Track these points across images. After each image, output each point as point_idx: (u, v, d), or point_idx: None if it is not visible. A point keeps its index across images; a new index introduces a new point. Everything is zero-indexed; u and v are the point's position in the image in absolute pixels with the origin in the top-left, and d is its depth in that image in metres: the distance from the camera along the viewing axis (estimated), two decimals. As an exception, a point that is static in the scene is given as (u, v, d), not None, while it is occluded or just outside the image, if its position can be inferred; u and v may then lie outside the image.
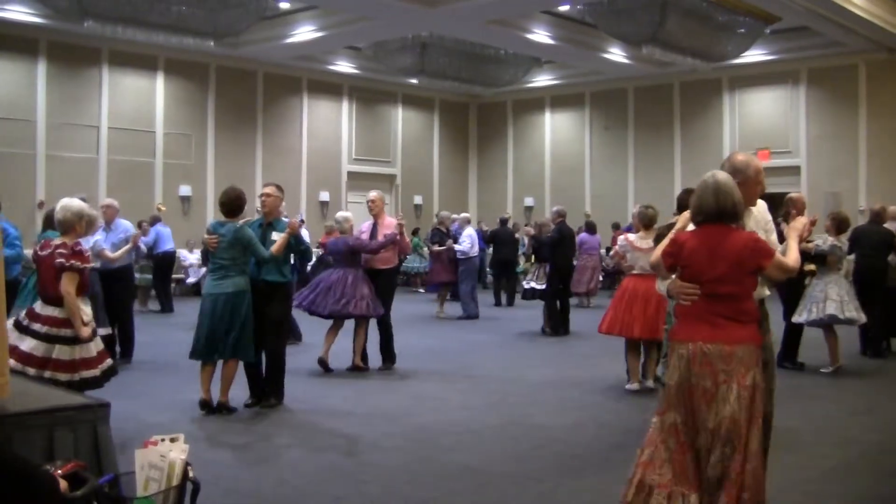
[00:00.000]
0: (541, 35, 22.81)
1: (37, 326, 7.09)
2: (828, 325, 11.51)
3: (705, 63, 22.79)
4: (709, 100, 26.56)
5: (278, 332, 9.36)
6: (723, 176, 4.95)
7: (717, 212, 4.88)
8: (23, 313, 7.31)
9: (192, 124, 24.78)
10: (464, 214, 20.04)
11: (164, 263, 19.18)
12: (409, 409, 9.26)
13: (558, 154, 29.76)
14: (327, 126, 27.89)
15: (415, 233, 25.52)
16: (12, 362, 6.56)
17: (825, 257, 11.36)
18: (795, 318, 11.53)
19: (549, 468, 7.00)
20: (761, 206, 5.56)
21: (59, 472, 2.22)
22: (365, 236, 11.97)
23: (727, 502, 4.63)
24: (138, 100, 23.77)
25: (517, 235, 22.24)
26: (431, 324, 16.77)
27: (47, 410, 4.13)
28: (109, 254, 11.19)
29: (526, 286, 15.85)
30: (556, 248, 15.38)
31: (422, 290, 24.44)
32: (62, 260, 7.14)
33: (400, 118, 29.94)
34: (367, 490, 6.40)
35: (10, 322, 6.97)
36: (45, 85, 22.06)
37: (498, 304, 20.64)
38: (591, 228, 20.84)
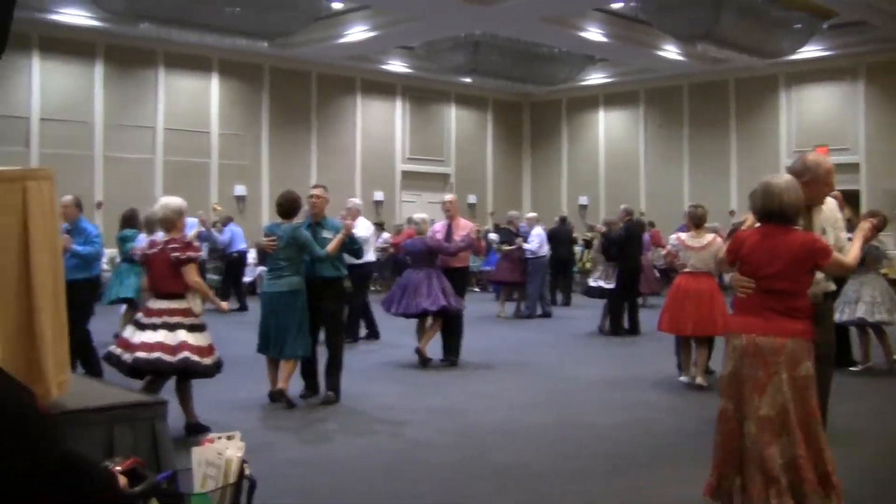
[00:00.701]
0: (594, 33, 22.69)
1: (156, 320, 7.44)
2: (859, 325, 11.34)
3: (761, 59, 22.57)
4: (765, 97, 26.26)
5: (336, 327, 9.60)
6: (776, 179, 5.20)
7: (765, 213, 5.18)
8: (139, 314, 7.67)
9: (246, 125, 24.93)
10: (531, 214, 19.97)
11: (238, 262, 19.31)
12: (462, 406, 9.30)
13: (612, 153, 29.60)
14: (381, 125, 27.96)
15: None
16: (141, 354, 7.27)
17: (863, 257, 11.18)
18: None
19: (598, 467, 6.99)
20: (831, 203, 5.83)
21: (118, 468, 2.25)
22: (439, 236, 12.28)
23: (799, 487, 4.89)
24: (193, 101, 23.99)
25: (575, 234, 22.18)
26: (487, 322, 16.72)
27: (106, 408, 4.18)
28: None
29: (592, 284, 15.60)
30: (625, 246, 15.27)
31: (477, 290, 24.37)
32: (178, 254, 7.51)
33: (453, 117, 29.95)
34: (420, 488, 6.43)
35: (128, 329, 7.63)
36: (103, 87, 22.34)
37: (553, 302, 20.46)
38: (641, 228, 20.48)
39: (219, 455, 3.00)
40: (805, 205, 5.42)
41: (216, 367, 7.65)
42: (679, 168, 27.94)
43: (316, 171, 25.82)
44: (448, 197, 12.91)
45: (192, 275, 7.56)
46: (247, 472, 2.90)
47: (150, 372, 7.50)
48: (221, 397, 8.11)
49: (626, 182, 28.73)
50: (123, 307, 13.07)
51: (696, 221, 10.42)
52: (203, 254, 11.23)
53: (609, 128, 29.84)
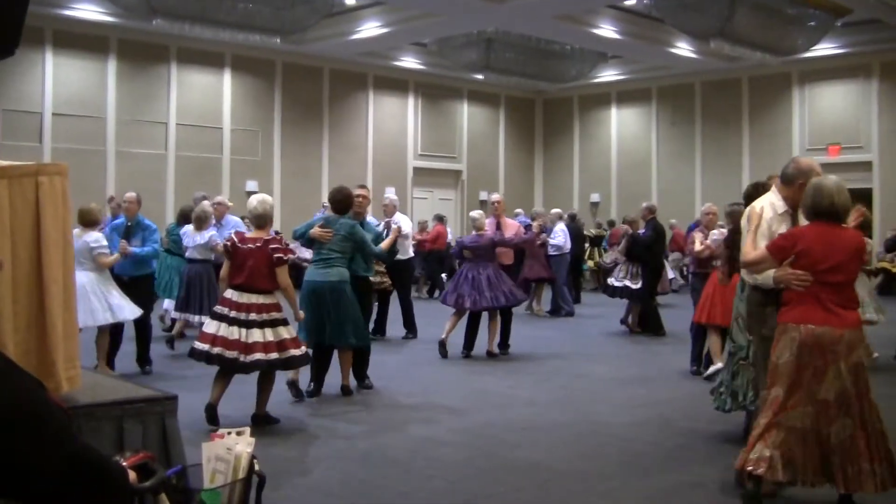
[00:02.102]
0: (607, 30, 22.68)
1: (254, 316, 7.62)
2: None
3: (774, 57, 22.47)
4: (778, 94, 26.19)
5: (365, 322, 9.83)
6: (826, 181, 5.54)
7: (815, 211, 5.52)
8: (219, 308, 7.78)
9: (258, 121, 24.95)
10: (555, 210, 19.78)
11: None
12: (475, 404, 9.30)
13: (625, 150, 29.56)
14: (393, 122, 27.98)
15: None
16: (258, 355, 7.52)
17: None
18: None
19: (614, 466, 6.95)
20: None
21: (128, 462, 2.26)
22: (489, 232, 12.61)
23: (857, 469, 5.31)
24: (206, 97, 24.05)
25: (586, 232, 22.11)
26: (526, 320, 16.53)
27: (117, 403, 4.20)
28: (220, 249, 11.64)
29: (617, 284, 15.23)
30: (652, 246, 15.12)
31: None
32: (281, 255, 7.71)
33: (465, 114, 29.92)
34: (433, 485, 6.44)
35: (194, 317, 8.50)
36: (115, 82, 22.41)
37: (577, 301, 20.22)
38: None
39: (228, 450, 3.01)
40: (795, 207, 5.95)
41: (292, 361, 7.90)
42: (691, 166, 27.90)
43: (328, 167, 25.95)
44: (495, 196, 13.39)
45: (285, 276, 7.79)
46: (256, 467, 2.90)
47: (258, 369, 7.75)
48: (232, 392, 8.02)
49: (639, 180, 28.68)
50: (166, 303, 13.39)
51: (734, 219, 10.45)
52: (212, 256, 11.84)
53: (621, 125, 29.81)
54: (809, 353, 5.36)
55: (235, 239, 7.93)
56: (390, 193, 15.47)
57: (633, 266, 15.12)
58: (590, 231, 23.27)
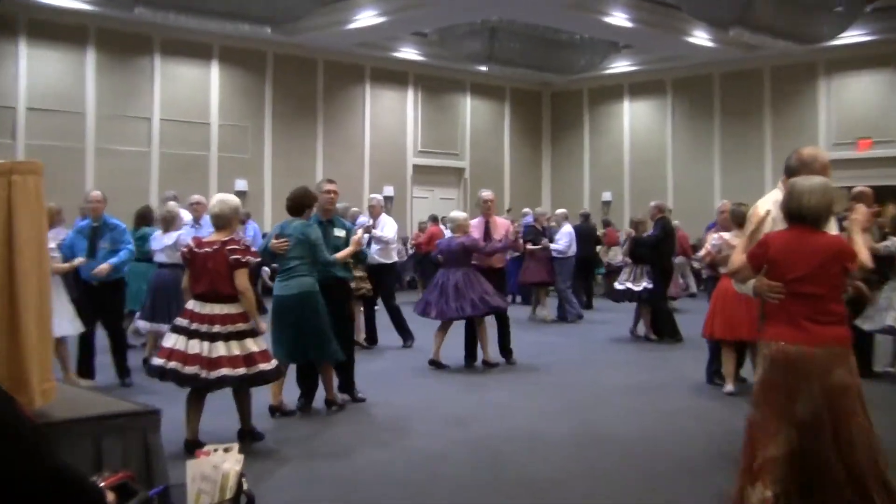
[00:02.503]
0: (619, 18, 22.59)
1: (219, 328, 7.43)
2: (888, 334, 11.17)
3: (798, 45, 22.37)
4: (802, 86, 26.08)
5: (346, 330, 9.67)
6: (804, 180, 5.33)
7: (787, 214, 5.33)
8: (180, 320, 7.61)
9: (248, 116, 24.93)
10: (560, 210, 19.81)
11: (257, 265, 18.97)
12: (476, 415, 9.30)
13: (638, 145, 29.54)
14: (391, 117, 27.95)
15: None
16: (225, 371, 7.32)
17: (894, 259, 10.88)
18: (857, 322, 10.83)
19: (622, 481, 6.95)
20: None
21: (106, 483, 2.21)
22: (476, 234, 12.39)
23: (838, 498, 5.03)
24: (192, 90, 23.98)
25: (600, 233, 22.12)
26: (525, 326, 16.53)
27: (95, 418, 4.19)
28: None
29: (619, 287, 15.38)
30: (660, 247, 15.15)
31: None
32: (238, 256, 7.53)
33: (468, 108, 29.89)
34: (434, 502, 6.46)
35: (164, 327, 7.87)
36: (95, 75, 22.31)
37: (588, 307, 20.39)
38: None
39: (215, 468, 2.97)
40: None
41: (262, 377, 7.66)
42: (709, 162, 27.84)
43: (322, 164, 25.86)
44: (485, 193, 12.94)
45: (243, 279, 7.58)
46: (245, 486, 2.85)
47: (224, 386, 7.60)
48: (221, 406, 7.98)
49: (653, 177, 28.65)
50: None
51: (739, 220, 10.23)
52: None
53: (634, 119, 29.77)
54: (782, 372, 5.18)
55: (192, 244, 7.82)
56: (376, 194, 15.54)
57: (638, 268, 15.14)
58: (602, 232, 23.23)
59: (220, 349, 7.39)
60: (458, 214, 12.45)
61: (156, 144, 23.22)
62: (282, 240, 8.97)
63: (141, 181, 22.33)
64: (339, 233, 9.60)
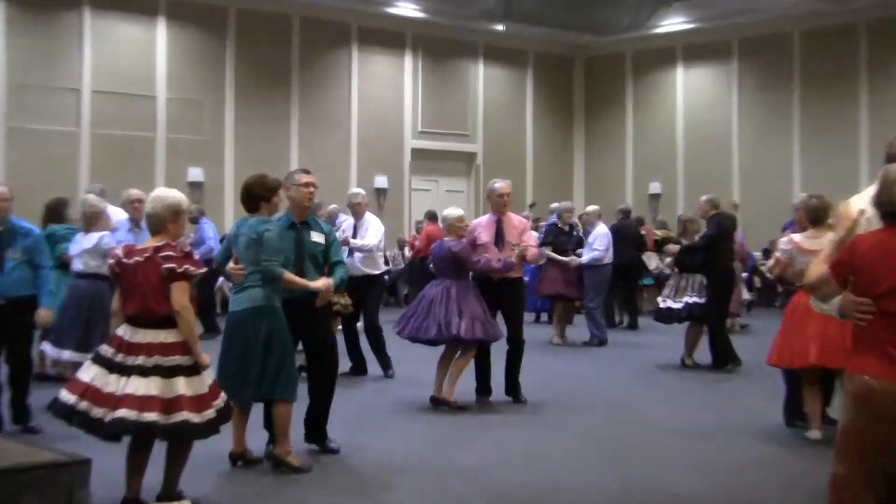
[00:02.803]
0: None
1: (144, 360, 7.20)
2: None
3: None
4: (910, 47, 26.38)
5: (331, 356, 9.50)
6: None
7: (879, 208, 5.24)
8: (105, 347, 7.45)
9: (204, 88, 24.92)
10: (592, 207, 19.61)
11: (210, 271, 18.43)
12: (493, 464, 9.25)
13: (695, 124, 29.37)
14: (385, 89, 27.93)
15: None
16: (127, 413, 7.03)
17: None
18: None
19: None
20: None
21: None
22: (485, 237, 12.17)
23: None
24: (132, 55, 23.90)
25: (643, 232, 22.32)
26: (526, 351, 16.26)
27: (11, 470, 4.51)
28: None
29: (662, 304, 15.39)
30: (715, 251, 14.85)
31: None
32: (173, 265, 7.29)
33: (481, 78, 29.81)
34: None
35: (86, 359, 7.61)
36: (5, 36, 22.33)
37: (613, 324, 20.42)
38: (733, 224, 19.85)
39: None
40: None
41: (220, 419, 7.43)
42: (787, 144, 27.55)
43: (297, 149, 25.95)
44: (500, 185, 12.41)
45: (180, 296, 7.30)
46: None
47: (137, 436, 7.34)
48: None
49: (714, 163, 28.48)
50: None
51: (814, 217, 10.24)
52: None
53: (691, 91, 29.63)
54: (866, 415, 5.02)
55: (121, 253, 7.58)
56: (358, 189, 15.17)
57: (684, 279, 15.21)
58: (657, 234, 22.47)
59: (132, 385, 7.14)
60: (452, 212, 12.11)
61: (86, 123, 23.07)
62: (239, 266, 8.73)
63: (66, 170, 22.22)
64: (318, 238, 9.34)
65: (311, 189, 9.39)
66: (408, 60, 28.18)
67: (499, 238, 12.12)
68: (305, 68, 26.32)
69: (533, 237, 12.58)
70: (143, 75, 23.84)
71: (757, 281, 24.63)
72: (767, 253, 24.34)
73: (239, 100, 25.16)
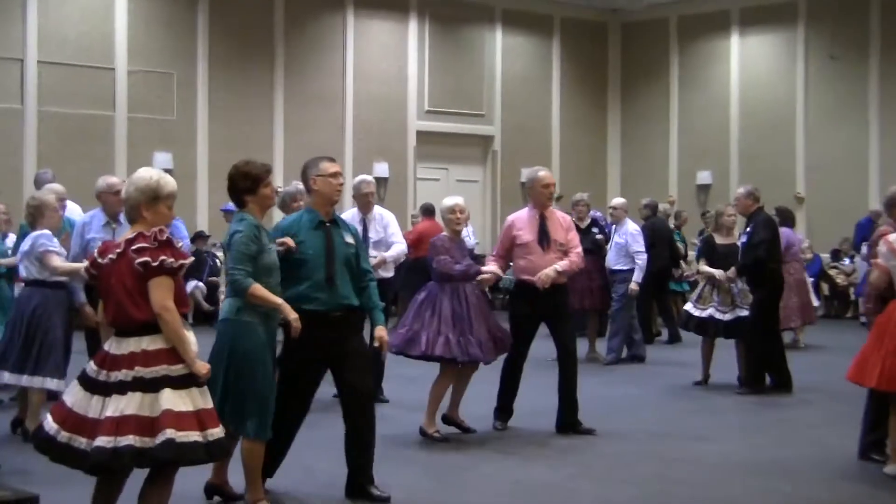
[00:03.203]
0: None
1: (122, 374, 7.08)
2: None
3: None
4: None
5: (367, 386, 9.43)
6: None
7: None
8: (90, 365, 7.34)
9: (172, 59, 24.91)
10: (619, 200, 19.47)
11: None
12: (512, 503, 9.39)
13: (752, 102, 29.21)
14: (385, 61, 28.01)
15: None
16: (102, 439, 6.89)
17: None
18: None
19: None
20: None
21: None
22: (528, 235, 12.01)
23: None
24: (86, 20, 23.83)
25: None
26: (544, 370, 15.71)
27: None
28: (59, 262, 11.25)
29: (693, 311, 15.39)
30: (758, 250, 14.79)
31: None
32: (146, 258, 7.13)
33: (498, 48, 29.87)
34: None
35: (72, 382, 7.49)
36: None
37: (650, 338, 20.39)
38: (788, 220, 20.15)
39: None
40: None
41: (213, 448, 7.21)
42: (862, 124, 27.34)
43: (283, 131, 26.10)
44: (544, 173, 12.19)
45: (160, 294, 7.12)
46: None
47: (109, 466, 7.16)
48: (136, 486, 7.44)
49: (774, 148, 28.36)
50: None
51: None
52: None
53: (747, 63, 29.49)
54: None
55: (95, 254, 7.52)
56: (366, 175, 15.24)
57: (710, 283, 15.30)
58: (693, 242, 22.45)
59: (111, 406, 7.04)
60: (446, 201, 12.11)
61: (31, 99, 23.05)
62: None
63: (8, 154, 22.27)
64: (350, 239, 9.37)
65: (342, 181, 9.41)
66: (413, 27, 28.15)
67: (543, 237, 11.99)
68: (292, 36, 26.30)
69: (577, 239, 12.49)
70: (100, 43, 23.70)
71: (825, 288, 24.35)
72: (837, 254, 24.24)
73: (213, 73, 25.11)
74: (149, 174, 7.55)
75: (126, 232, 7.49)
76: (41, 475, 7.87)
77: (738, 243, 15.34)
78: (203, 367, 7.35)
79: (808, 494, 9.64)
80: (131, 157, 23.35)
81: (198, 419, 7.17)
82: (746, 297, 14.98)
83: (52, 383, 11.01)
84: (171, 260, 7.18)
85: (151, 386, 7.04)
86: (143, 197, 7.31)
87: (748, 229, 15.10)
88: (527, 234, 11.98)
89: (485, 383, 12.19)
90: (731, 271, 14.99)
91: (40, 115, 22.85)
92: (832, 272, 24.59)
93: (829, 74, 27.92)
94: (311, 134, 25.48)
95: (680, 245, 22.29)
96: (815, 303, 21.50)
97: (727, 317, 15.00)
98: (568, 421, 12.02)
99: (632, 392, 15.07)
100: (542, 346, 17.00)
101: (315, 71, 26.67)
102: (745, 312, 14.91)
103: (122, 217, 11.43)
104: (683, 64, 30.42)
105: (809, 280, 20.76)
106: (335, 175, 9.36)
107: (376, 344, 9.41)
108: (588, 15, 30.69)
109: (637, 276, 17.51)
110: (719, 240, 15.39)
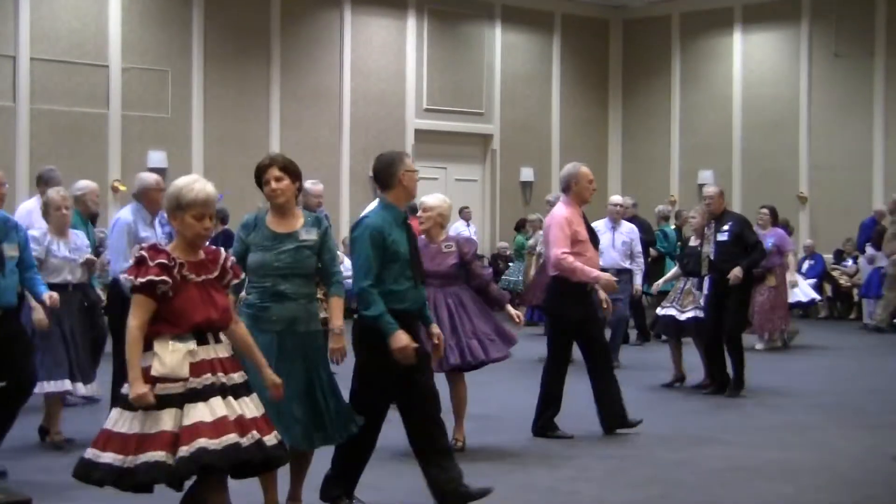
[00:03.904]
0: None
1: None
2: None
3: None
4: None
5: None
6: None
7: None
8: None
9: (167, 55, 24.86)
10: (627, 199, 19.73)
11: None
12: None
13: (755, 99, 29.30)
14: (384, 58, 28.06)
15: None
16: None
17: None
18: None
19: None
20: None
21: None
22: (584, 234, 11.83)
23: None
24: (81, 15, 23.76)
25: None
26: (532, 370, 15.84)
27: None
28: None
29: (661, 313, 15.60)
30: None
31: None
32: (129, 276, 7.07)
33: (498, 45, 29.94)
34: None
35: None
36: None
37: (644, 339, 20.65)
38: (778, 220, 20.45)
39: None
40: None
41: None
42: (867, 124, 27.26)
43: (279, 129, 26.03)
44: (585, 168, 11.93)
45: (130, 312, 6.94)
46: None
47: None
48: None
49: (777, 148, 28.39)
50: None
51: None
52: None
53: (750, 60, 29.55)
54: None
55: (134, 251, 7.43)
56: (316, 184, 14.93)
57: (687, 284, 15.41)
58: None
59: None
60: (429, 200, 11.83)
61: (24, 97, 22.97)
62: None
63: (2, 150, 22.20)
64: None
65: (416, 176, 9.34)
66: (411, 23, 28.21)
67: (592, 234, 11.97)
68: (288, 32, 26.31)
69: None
70: (93, 40, 23.69)
71: (828, 289, 24.32)
72: (840, 255, 24.20)
73: (209, 70, 25.14)
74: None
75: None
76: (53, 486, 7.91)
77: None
78: (140, 389, 6.94)
79: (810, 497, 9.61)
80: (125, 155, 23.59)
81: (167, 439, 6.93)
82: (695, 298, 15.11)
83: (49, 385, 10.95)
84: (132, 278, 6.97)
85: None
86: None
87: (725, 228, 14.87)
88: (583, 232, 11.79)
89: (478, 386, 12.06)
90: (738, 270, 14.74)
91: (33, 113, 22.80)
92: (835, 273, 24.54)
93: (833, 72, 28.04)
94: (308, 132, 25.77)
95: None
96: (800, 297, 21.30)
97: (684, 317, 15.08)
98: (608, 420, 11.94)
99: (630, 394, 14.11)
100: (534, 348, 17.24)
101: (312, 68, 26.74)
102: (699, 313, 14.89)
103: (162, 216, 11.64)
104: (685, 61, 30.56)
105: (803, 281, 20.93)
106: (415, 172, 9.30)
107: (435, 341, 9.14)
108: (589, 12, 30.81)
109: (638, 279, 17.61)
110: (692, 242, 15.49)
